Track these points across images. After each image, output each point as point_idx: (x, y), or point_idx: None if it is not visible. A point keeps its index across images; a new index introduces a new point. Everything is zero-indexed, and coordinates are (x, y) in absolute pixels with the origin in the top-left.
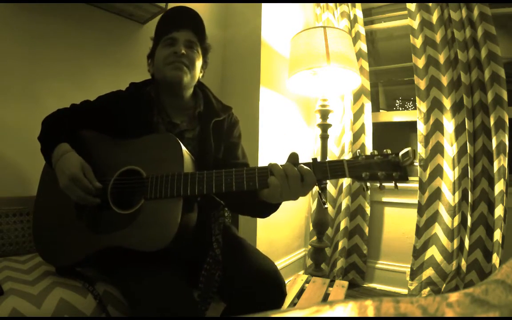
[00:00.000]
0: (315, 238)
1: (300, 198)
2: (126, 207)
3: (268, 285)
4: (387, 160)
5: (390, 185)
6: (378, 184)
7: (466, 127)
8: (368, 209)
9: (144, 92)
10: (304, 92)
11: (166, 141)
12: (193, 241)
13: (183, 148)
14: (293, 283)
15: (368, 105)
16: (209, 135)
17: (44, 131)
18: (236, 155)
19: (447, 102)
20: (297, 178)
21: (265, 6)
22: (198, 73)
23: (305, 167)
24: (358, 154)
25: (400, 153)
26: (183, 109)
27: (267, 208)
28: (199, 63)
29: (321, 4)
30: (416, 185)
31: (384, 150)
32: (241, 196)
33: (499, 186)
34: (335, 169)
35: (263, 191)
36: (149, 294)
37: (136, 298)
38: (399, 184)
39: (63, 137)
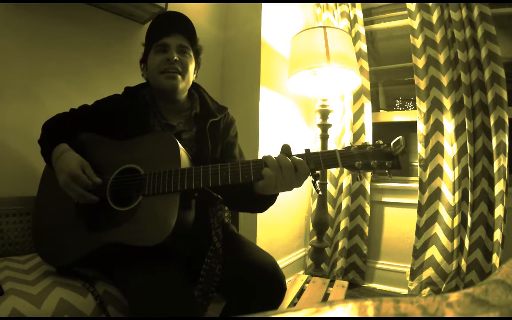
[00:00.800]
0: (315, 238)
1: (300, 198)
2: (126, 204)
3: (267, 279)
4: (379, 150)
5: (389, 185)
6: (372, 173)
7: (466, 127)
8: (368, 209)
9: (139, 96)
10: (304, 92)
11: (163, 140)
12: (193, 237)
13: (180, 146)
14: (293, 283)
15: (368, 105)
16: (206, 136)
17: (44, 135)
18: (233, 155)
19: (447, 102)
20: (290, 168)
21: (265, 6)
22: (192, 77)
23: (298, 158)
24: (350, 145)
25: (392, 143)
26: (179, 111)
27: (264, 201)
28: (192, 66)
29: (321, 4)
30: (416, 185)
31: (376, 141)
32: (238, 190)
33: (499, 186)
34: (328, 158)
35: (259, 183)
36: (148, 292)
37: (135, 296)
38: (399, 184)
39: (62, 138)
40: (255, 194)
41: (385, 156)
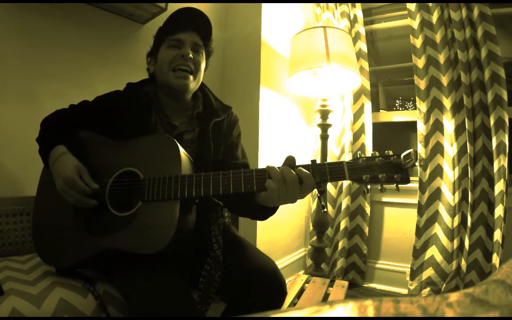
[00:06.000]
0: (315, 238)
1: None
2: (124, 209)
3: (268, 285)
4: (388, 162)
5: (390, 186)
6: (379, 186)
7: (466, 127)
8: (368, 209)
9: (142, 93)
10: (304, 92)
11: (164, 142)
12: (193, 243)
13: (181, 149)
14: (293, 283)
15: (368, 105)
16: (208, 137)
17: (42, 133)
18: (236, 156)
19: (447, 102)
20: (295, 182)
21: (265, 6)
22: (202, 77)
23: (304, 170)
24: (358, 156)
25: (402, 155)
26: (182, 110)
27: (265, 211)
28: (203, 66)
29: (321, 4)
30: (416, 185)
31: (386, 151)
32: (239, 198)
33: (499, 186)
34: (335, 171)
35: (261, 194)
36: (147, 296)
37: (135, 299)
38: (399, 184)
39: (60, 139)
40: (256, 204)
41: (394, 168)
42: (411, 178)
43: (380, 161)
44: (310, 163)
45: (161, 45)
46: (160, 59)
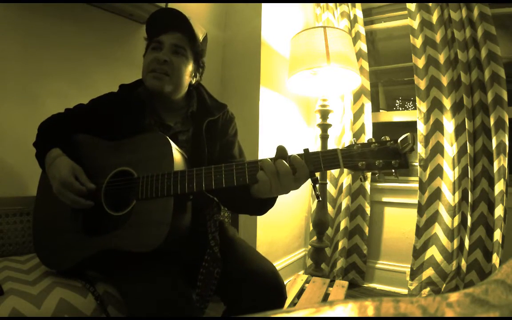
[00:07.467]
0: (315, 238)
1: (300, 198)
2: (120, 208)
3: (268, 289)
4: (385, 148)
5: (389, 185)
6: (376, 173)
7: (466, 127)
8: (368, 209)
9: (135, 94)
10: (304, 92)
11: (156, 140)
12: (190, 240)
13: (173, 146)
14: (293, 283)
15: (368, 105)
16: (202, 136)
17: (38, 137)
18: (232, 154)
19: (447, 102)
20: (288, 174)
21: (265, 6)
22: (185, 79)
23: (298, 158)
24: (354, 142)
25: (399, 139)
26: (175, 110)
27: (262, 204)
28: (186, 68)
29: (321, 4)
30: (416, 185)
31: (382, 137)
32: (234, 192)
33: (499, 186)
34: (329, 159)
35: (254, 187)
36: (145, 296)
37: (133, 299)
38: (399, 184)
39: (55, 142)
40: (252, 198)
41: (391, 154)
42: (411, 178)
43: (376, 147)
44: (303, 152)
45: (149, 47)
46: (143, 62)
